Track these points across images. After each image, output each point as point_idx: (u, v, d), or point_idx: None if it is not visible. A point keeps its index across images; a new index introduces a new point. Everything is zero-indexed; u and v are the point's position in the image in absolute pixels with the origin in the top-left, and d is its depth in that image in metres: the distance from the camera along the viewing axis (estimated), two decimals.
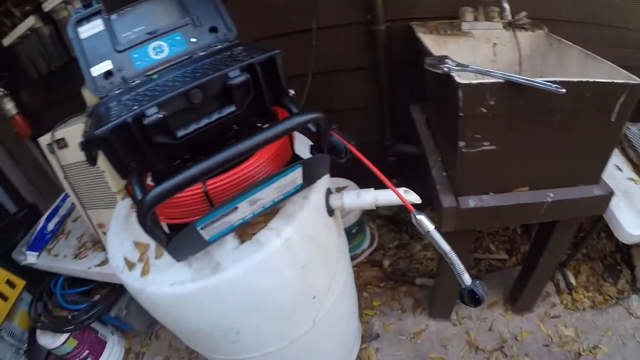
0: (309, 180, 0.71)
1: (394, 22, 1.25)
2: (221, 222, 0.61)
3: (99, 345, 1.56)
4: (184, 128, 0.61)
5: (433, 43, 1.12)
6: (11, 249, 1.62)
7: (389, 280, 1.52)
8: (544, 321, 1.36)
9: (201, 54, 0.78)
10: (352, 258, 1.61)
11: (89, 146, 0.59)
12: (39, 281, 1.62)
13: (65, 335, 1.45)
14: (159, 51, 0.79)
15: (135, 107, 0.58)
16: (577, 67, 0.97)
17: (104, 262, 1.34)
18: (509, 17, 1.15)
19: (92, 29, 0.77)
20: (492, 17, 1.17)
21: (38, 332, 1.48)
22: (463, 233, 1.04)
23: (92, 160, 0.71)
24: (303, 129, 0.67)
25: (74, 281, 1.53)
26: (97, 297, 1.47)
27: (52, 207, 1.67)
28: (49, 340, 1.45)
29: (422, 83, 1.22)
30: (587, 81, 0.73)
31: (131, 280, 0.73)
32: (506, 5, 1.14)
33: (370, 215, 1.76)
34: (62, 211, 1.68)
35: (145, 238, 0.79)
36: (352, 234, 1.55)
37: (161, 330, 1.66)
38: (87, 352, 1.52)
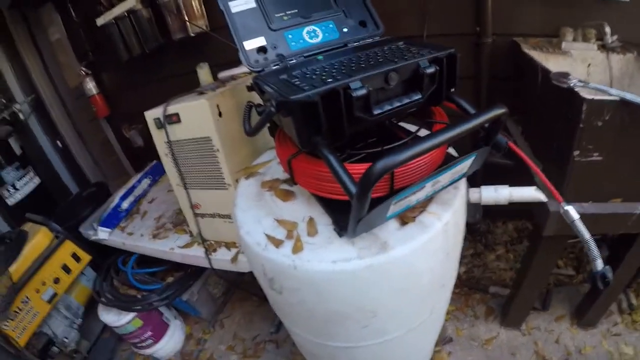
0: (470, 170, 0.71)
1: (498, 36, 1.29)
2: (405, 201, 0.61)
3: (162, 328, 1.55)
4: (379, 107, 0.61)
5: (537, 58, 1.15)
6: (78, 224, 1.62)
7: (463, 286, 1.52)
8: (606, 337, 1.37)
9: (355, 44, 0.80)
10: None
11: (282, 109, 0.59)
12: (104, 258, 1.62)
13: (131, 315, 1.44)
14: (314, 35, 0.81)
15: (331, 80, 0.58)
16: None
17: (189, 244, 1.34)
18: (609, 40, 1.18)
19: (243, 4, 0.79)
20: (588, 39, 1.21)
21: (100, 308, 1.48)
22: (559, 238, 1.09)
23: (258, 129, 0.72)
24: None
25: (143, 261, 1.53)
26: (170, 279, 1.46)
27: (128, 186, 1.67)
28: (113, 318, 1.44)
29: (521, 96, 1.26)
30: None
31: (280, 256, 0.72)
32: (608, 29, 1.17)
33: None
34: (138, 191, 1.69)
35: (288, 215, 0.80)
36: None
37: (226, 319, 1.66)
38: (150, 333, 1.51)
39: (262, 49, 0.76)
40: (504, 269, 1.55)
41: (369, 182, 0.50)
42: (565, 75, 0.91)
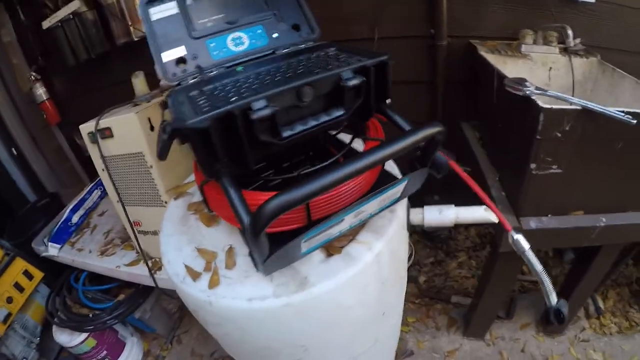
0: (403, 195, 0.63)
1: (455, 39, 1.21)
2: (323, 235, 0.53)
3: (118, 347, 1.45)
4: (290, 128, 0.52)
5: (494, 61, 1.08)
6: (31, 238, 1.50)
7: (424, 297, 1.45)
8: (574, 344, 1.33)
9: (285, 51, 0.71)
10: None
11: (177, 136, 0.49)
12: (56, 274, 1.51)
13: (84, 335, 1.35)
14: (239, 43, 0.71)
15: (235, 99, 0.49)
16: (631, 97, 0.97)
17: (135, 261, 1.25)
18: (572, 43, 1.11)
19: (164, 10, 0.69)
20: (549, 42, 1.16)
21: (55, 328, 1.38)
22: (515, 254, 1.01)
23: (164, 153, 0.62)
24: None
25: (95, 278, 1.43)
26: (121, 296, 1.36)
27: (78, 199, 1.55)
28: (66, 338, 1.35)
29: (478, 101, 1.19)
30: None
31: (196, 292, 0.62)
32: (570, 32, 1.09)
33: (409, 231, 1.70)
34: (88, 204, 1.57)
35: (209, 243, 0.70)
36: None
37: (184, 335, 1.56)
38: (105, 352, 1.42)
39: (181, 60, 0.66)
40: (465, 277, 1.49)
41: (259, 226, 0.41)
42: (522, 81, 0.84)
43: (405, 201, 0.72)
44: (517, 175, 0.89)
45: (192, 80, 0.65)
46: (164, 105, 0.66)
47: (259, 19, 0.72)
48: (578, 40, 1.12)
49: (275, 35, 0.72)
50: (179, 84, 0.65)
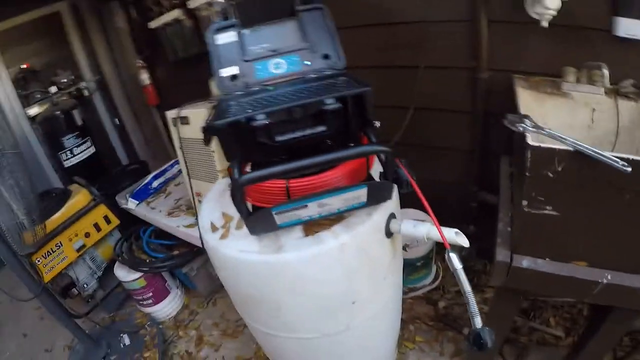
0: (372, 200, 0.86)
1: (497, 72, 1.34)
2: (292, 214, 0.81)
3: (164, 293, 1.91)
4: (282, 135, 0.81)
5: (531, 99, 1.18)
6: (115, 193, 2.06)
7: (438, 321, 1.60)
8: None
9: (312, 76, 0.99)
10: (411, 290, 1.73)
11: (208, 131, 0.83)
12: (129, 226, 2.04)
13: (138, 274, 1.80)
14: (278, 67, 1.02)
15: (249, 111, 0.81)
16: None
17: (192, 224, 1.66)
18: (608, 83, 1.14)
19: (226, 38, 1.02)
20: (594, 81, 1.16)
21: (117, 264, 1.87)
22: (512, 292, 1.09)
23: (207, 141, 0.97)
24: (378, 157, 0.84)
25: (160, 234, 1.91)
26: (176, 252, 1.81)
27: (161, 169, 2.08)
28: (124, 274, 1.82)
29: (513, 137, 1.25)
30: None
31: (211, 239, 0.96)
32: (605, 71, 1.14)
33: (441, 255, 1.84)
34: (169, 175, 2.09)
35: (232, 211, 1.04)
36: (417, 266, 1.66)
37: (220, 299, 1.97)
38: (150, 294, 1.87)
39: (234, 77, 0.98)
40: (487, 314, 1.58)
41: (235, 186, 0.73)
42: (522, 118, 0.94)
43: (388, 209, 0.94)
44: (514, 211, 0.99)
45: (238, 93, 0.99)
46: (214, 108, 1.00)
47: (297, 48, 1.01)
48: (630, 82, 1.13)
49: (307, 62, 1.01)
50: (228, 94, 1.00)
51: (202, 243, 1.56)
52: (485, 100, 1.40)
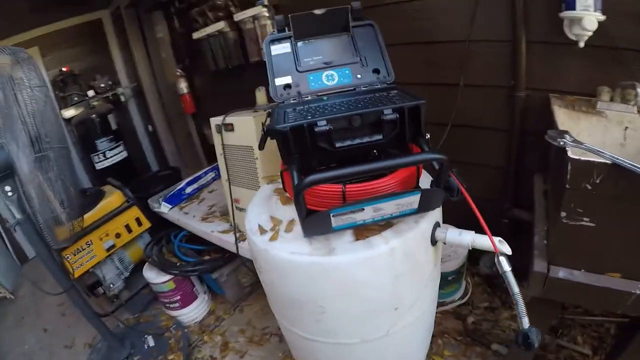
0: (423, 207, 0.89)
1: (534, 91, 1.38)
2: (348, 217, 0.84)
3: (191, 297, 1.93)
4: (341, 141, 0.86)
5: (566, 117, 1.21)
6: (147, 197, 2.12)
7: (466, 336, 1.60)
8: None
9: (363, 89, 1.05)
10: (440, 304, 1.72)
11: (269, 134, 0.88)
12: (159, 229, 2.08)
13: (168, 276, 1.82)
14: (330, 79, 1.07)
15: (310, 117, 0.85)
16: None
17: (227, 230, 1.70)
18: None
19: (281, 49, 1.09)
20: (628, 100, 1.20)
21: (146, 266, 1.89)
22: (546, 303, 1.09)
23: (262, 146, 1.02)
24: (429, 166, 0.87)
25: (191, 239, 1.94)
26: (207, 257, 1.85)
27: (195, 175, 2.14)
28: (153, 275, 1.84)
29: (548, 154, 1.29)
30: None
31: (260, 241, 0.99)
32: (639, 90, 1.17)
33: (471, 271, 1.86)
34: (202, 181, 2.15)
35: (280, 215, 1.08)
36: (448, 280, 1.67)
37: (247, 307, 1.98)
38: (178, 297, 1.89)
39: (288, 86, 1.05)
40: (514, 330, 1.58)
41: (298, 188, 0.76)
42: (562, 133, 0.98)
43: (434, 217, 0.98)
44: (553, 224, 1.01)
45: (292, 101, 1.04)
46: (269, 114, 1.05)
47: (349, 62, 1.07)
48: None
49: (358, 76, 1.07)
50: (282, 102, 1.05)
51: (236, 249, 1.62)
52: (521, 118, 1.43)
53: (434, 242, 1.01)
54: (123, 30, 2.66)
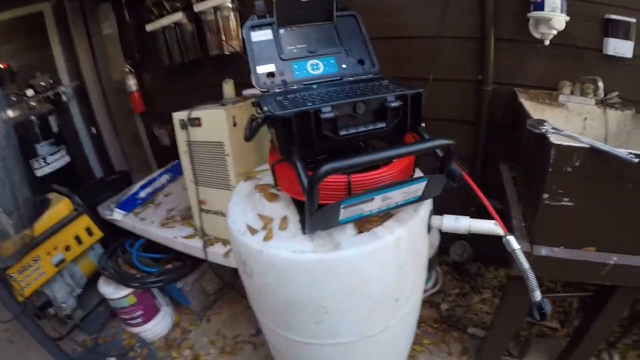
0: (425, 195, 0.88)
1: (500, 85, 1.46)
2: (356, 208, 0.80)
3: (153, 310, 1.76)
4: (346, 129, 0.81)
5: (532, 109, 1.29)
6: (97, 204, 1.90)
7: (442, 323, 1.64)
8: None
9: (350, 79, 1.01)
10: None
11: (268, 121, 0.81)
12: (113, 239, 1.88)
13: (127, 290, 1.65)
14: (315, 68, 1.02)
15: (310, 104, 0.80)
16: None
17: (191, 235, 1.57)
18: (602, 95, 1.30)
19: (262, 36, 1.02)
20: (586, 93, 1.33)
21: (101, 280, 1.70)
22: None
23: (252, 136, 0.94)
24: (432, 152, 0.86)
25: (149, 247, 1.77)
26: (169, 266, 1.68)
27: (148, 178, 1.96)
28: (110, 290, 1.66)
29: (515, 144, 1.38)
30: None
31: (252, 242, 0.90)
32: (600, 84, 1.30)
33: (440, 260, 1.91)
34: (157, 184, 1.97)
35: (268, 212, 1.00)
36: None
37: (214, 315, 1.85)
38: (140, 312, 1.72)
39: (271, 74, 0.98)
40: (487, 312, 1.64)
41: (315, 179, 0.69)
42: (542, 122, 1.04)
43: (429, 206, 0.97)
44: (534, 205, 1.06)
45: (278, 90, 0.97)
46: (255, 104, 0.97)
47: (333, 52, 1.03)
48: (615, 94, 1.30)
49: (344, 66, 1.03)
50: (267, 91, 0.97)
51: (205, 254, 1.49)
52: (488, 111, 1.50)
53: (429, 229, 1.00)
54: (66, 24, 2.37)
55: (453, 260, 1.78)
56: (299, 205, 0.93)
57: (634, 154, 0.86)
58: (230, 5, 1.68)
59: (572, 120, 1.36)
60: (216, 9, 1.71)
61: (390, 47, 1.55)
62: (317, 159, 1.00)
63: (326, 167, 0.68)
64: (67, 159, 2.13)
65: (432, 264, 1.71)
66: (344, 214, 0.80)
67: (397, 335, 1.12)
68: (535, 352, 1.49)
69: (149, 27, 1.99)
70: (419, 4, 1.47)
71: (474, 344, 1.54)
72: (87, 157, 2.49)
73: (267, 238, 0.91)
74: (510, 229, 1.17)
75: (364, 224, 0.89)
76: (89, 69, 2.43)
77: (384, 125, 0.84)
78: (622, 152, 0.87)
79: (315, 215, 0.78)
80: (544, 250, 1.07)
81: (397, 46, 1.54)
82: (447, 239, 1.66)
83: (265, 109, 0.83)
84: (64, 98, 2.33)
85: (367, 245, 0.84)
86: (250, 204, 1.05)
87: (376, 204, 0.82)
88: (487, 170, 1.62)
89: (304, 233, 0.88)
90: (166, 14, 1.90)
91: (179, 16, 1.85)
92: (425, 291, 1.76)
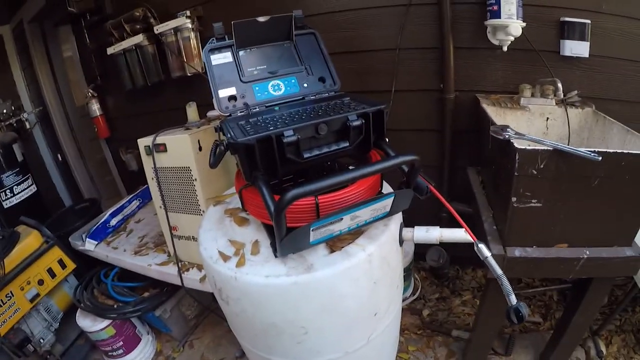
0: (393, 210, 0.88)
1: (462, 92, 1.49)
2: (326, 229, 0.79)
3: (134, 340, 1.70)
4: (309, 152, 0.81)
5: (494, 114, 1.33)
6: (67, 235, 1.83)
7: (426, 329, 1.64)
8: None
9: (312, 97, 1.01)
10: None
11: (231, 148, 0.79)
12: (86, 269, 1.81)
13: (106, 322, 1.59)
14: (277, 89, 1.02)
15: (272, 128, 0.79)
16: (618, 142, 1.16)
17: (165, 262, 1.52)
18: (562, 95, 1.35)
19: (222, 59, 1.01)
20: (547, 95, 1.38)
21: (79, 313, 1.64)
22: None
23: (217, 162, 0.92)
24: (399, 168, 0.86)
25: (124, 276, 1.71)
26: (146, 294, 1.63)
27: (118, 205, 1.89)
28: (88, 323, 1.60)
29: (481, 148, 1.41)
30: (622, 152, 0.90)
31: (225, 269, 0.89)
32: (560, 85, 1.34)
33: (417, 267, 1.92)
34: (127, 211, 1.90)
35: (239, 237, 0.98)
36: None
37: (196, 340, 1.80)
38: (121, 343, 1.66)
39: (232, 97, 0.97)
40: (468, 314, 1.67)
41: (281, 206, 0.68)
42: (505, 128, 1.07)
43: (399, 219, 0.98)
44: (503, 209, 1.08)
45: (240, 113, 0.96)
46: (217, 129, 0.95)
47: (293, 71, 1.03)
48: (575, 93, 1.34)
49: (305, 85, 1.03)
50: (229, 115, 0.96)
51: (181, 280, 1.45)
52: (452, 118, 1.53)
53: (401, 242, 1.01)
54: (26, 48, 2.29)
55: (430, 265, 1.80)
56: (269, 229, 0.92)
57: (596, 152, 0.89)
58: (190, 26, 1.66)
59: (534, 122, 1.39)
60: (176, 30, 1.69)
61: (351, 62, 1.57)
62: (284, 180, 1.00)
63: (292, 194, 0.67)
64: (33, 188, 2.04)
65: (409, 272, 1.72)
66: (314, 235, 0.80)
67: (381, 348, 1.12)
68: (520, 348, 1.52)
69: (110, 50, 1.94)
70: (377, 17, 1.48)
71: (459, 346, 1.55)
72: (54, 185, 2.40)
73: (239, 264, 0.89)
74: (482, 233, 1.21)
75: (335, 242, 0.88)
76: (52, 94, 2.35)
77: (347, 144, 0.84)
78: (584, 151, 0.90)
79: (285, 239, 0.77)
80: (517, 252, 1.08)
81: (359, 60, 1.56)
82: (422, 246, 1.66)
83: (228, 135, 0.81)
84: (27, 125, 2.24)
85: (340, 265, 0.83)
86: (221, 229, 1.03)
87: (345, 223, 0.82)
88: (455, 176, 1.65)
89: (276, 257, 0.87)
90: (127, 37, 1.86)
91: (139, 38, 1.82)
92: (404, 299, 1.76)
